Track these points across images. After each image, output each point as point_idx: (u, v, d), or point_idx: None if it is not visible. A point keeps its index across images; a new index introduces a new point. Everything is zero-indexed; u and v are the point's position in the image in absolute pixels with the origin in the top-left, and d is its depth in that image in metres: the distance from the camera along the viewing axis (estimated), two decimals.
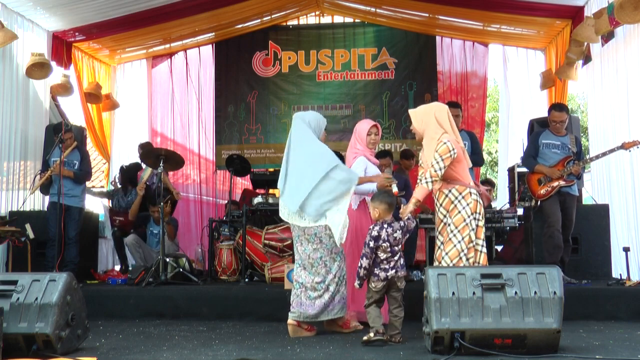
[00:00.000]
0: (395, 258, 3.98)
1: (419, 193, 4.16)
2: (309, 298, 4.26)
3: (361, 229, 4.63)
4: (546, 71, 7.92)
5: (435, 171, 4.11)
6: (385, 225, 4.01)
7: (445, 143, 4.14)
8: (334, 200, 4.19)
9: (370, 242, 3.98)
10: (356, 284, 4.03)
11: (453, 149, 4.14)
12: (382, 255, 3.97)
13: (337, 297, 4.28)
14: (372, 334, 3.88)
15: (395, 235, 3.99)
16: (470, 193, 4.18)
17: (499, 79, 10.28)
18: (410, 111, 4.45)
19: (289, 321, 4.30)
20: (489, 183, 8.44)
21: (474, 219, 4.16)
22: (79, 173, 6.46)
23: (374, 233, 3.99)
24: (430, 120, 4.28)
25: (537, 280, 3.44)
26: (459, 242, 4.16)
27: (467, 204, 4.16)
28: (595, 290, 5.28)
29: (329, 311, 4.28)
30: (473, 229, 4.16)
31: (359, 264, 4.02)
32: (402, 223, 4.06)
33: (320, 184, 4.17)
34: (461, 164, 4.24)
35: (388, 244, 3.97)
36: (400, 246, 4.05)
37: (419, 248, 6.88)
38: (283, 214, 4.39)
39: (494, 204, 7.73)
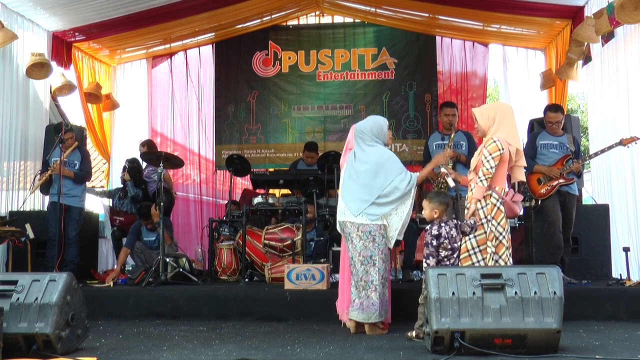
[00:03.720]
0: (455, 255, 4.12)
1: (477, 193, 4.21)
2: (359, 297, 4.33)
3: None
4: (546, 71, 7.92)
5: (487, 169, 4.18)
6: (443, 224, 4.15)
7: (494, 141, 4.22)
8: (395, 206, 4.35)
9: (433, 241, 4.11)
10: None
11: (502, 148, 4.20)
12: (443, 253, 4.11)
13: (384, 299, 4.33)
14: (413, 333, 4.05)
15: (451, 233, 4.13)
16: (491, 195, 4.20)
17: (499, 79, 10.28)
18: (475, 110, 4.53)
19: (349, 323, 4.43)
20: None
21: (488, 221, 4.19)
22: (79, 173, 6.46)
23: (435, 232, 4.13)
24: (496, 118, 4.33)
25: (537, 280, 3.44)
26: (469, 239, 4.21)
27: (485, 205, 4.20)
28: (595, 290, 5.28)
29: (380, 313, 4.29)
30: (485, 232, 4.19)
31: (425, 265, 4.12)
32: (456, 221, 4.16)
33: (386, 191, 4.34)
34: (501, 165, 4.25)
35: (448, 242, 4.10)
36: (458, 243, 4.16)
37: (419, 248, 6.87)
38: (340, 214, 4.53)
39: None
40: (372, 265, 4.32)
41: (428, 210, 4.22)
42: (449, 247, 4.10)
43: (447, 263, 4.07)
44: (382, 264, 4.33)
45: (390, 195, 4.35)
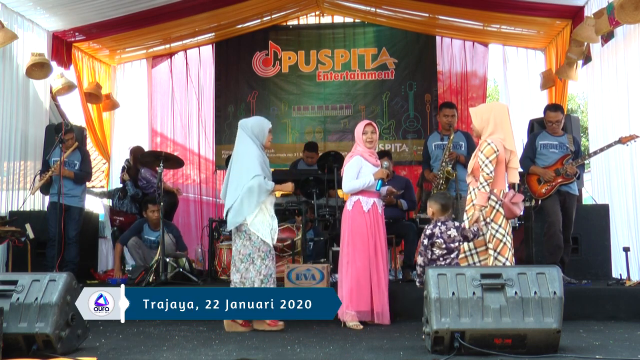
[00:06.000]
0: (452, 256, 4.17)
1: (480, 199, 4.21)
2: None
3: (357, 228, 4.66)
4: (546, 71, 7.92)
5: (487, 174, 4.19)
6: (439, 224, 4.22)
7: (489, 144, 4.21)
8: (251, 206, 4.45)
9: (424, 240, 4.20)
10: (417, 282, 4.20)
11: (497, 150, 4.20)
12: (437, 252, 4.17)
13: None
14: None
15: (449, 232, 4.16)
16: (489, 198, 4.21)
17: (499, 79, 10.27)
18: (471, 109, 4.54)
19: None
20: None
21: (487, 224, 4.19)
22: (79, 173, 6.46)
23: (428, 231, 4.22)
24: (490, 119, 4.33)
25: (537, 280, 3.44)
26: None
27: (484, 208, 4.20)
28: (595, 290, 5.29)
29: None
30: (483, 234, 4.20)
31: (416, 262, 4.12)
32: (457, 223, 4.16)
33: (243, 193, 4.47)
34: (498, 166, 4.25)
35: (442, 241, 4.13)
36: (457, 244, 4.17)
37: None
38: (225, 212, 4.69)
39: None
40: (251, 263, 4.46)
41: (428, 208, 4.28)
42: (444, 246, 4.11)
43: (442, 263, 4.08)
44: (260, 262, 4.45)
45: (248, 198, 4.47)
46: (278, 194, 4.69)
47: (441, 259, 4.12)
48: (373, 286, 4.63)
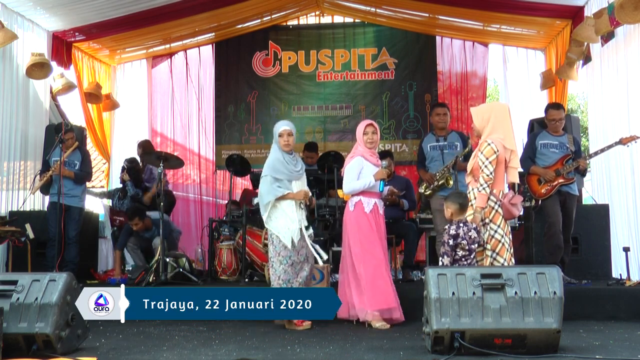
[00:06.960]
0: (472, 256, 4.15)
1: (479, 201, 4.21)
2: None
3: (363, 228, 4.65)
4: (546, 71, 7.92)
5: (487, 175, 4.20)
6: (461, 225, 4.18)
7: (489, 144, 4.21)
8: (266, 210, 4.61)
9: (450, 241, 4.15)
10: None
11: (497, 150, 4.20)
12: (461, 253, 4.15)
13: None
14: None
15: (470, 234, 4.14)
16: (488, 198, 4.20)
17: (499, 79, 10.27)
18: (472, 109, 4.55)
19: None
20: None
21: (485, 224, 4.19)
22: (79, 173, 6.46)
23: (452, 232, 4.17)
24: (490, 118, 4.33)
25: (537, 280, 3.44)
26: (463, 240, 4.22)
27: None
28: (595, 290, 5.29)
29: None
30: (482, 234, 4.20)
31: (441, 263, 4.14)
32: (474, 224, 4.16)
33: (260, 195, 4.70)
34: (498, 167, 4.25)
35: (466, 242, 4.12)
36: (475, 245, 4.18)
37: (420, 248, 6.89)
38: None
39: None
40: (271, 267, 4.60)
41: (445, 208, 4.30)
42: (467, 247, 4.13)
43: (465, 263, 4.10)
44: (278, 265, 4.55)
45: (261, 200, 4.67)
46: (299, 196, 4.66)
47: (463, 259, 4.13)
48: None
